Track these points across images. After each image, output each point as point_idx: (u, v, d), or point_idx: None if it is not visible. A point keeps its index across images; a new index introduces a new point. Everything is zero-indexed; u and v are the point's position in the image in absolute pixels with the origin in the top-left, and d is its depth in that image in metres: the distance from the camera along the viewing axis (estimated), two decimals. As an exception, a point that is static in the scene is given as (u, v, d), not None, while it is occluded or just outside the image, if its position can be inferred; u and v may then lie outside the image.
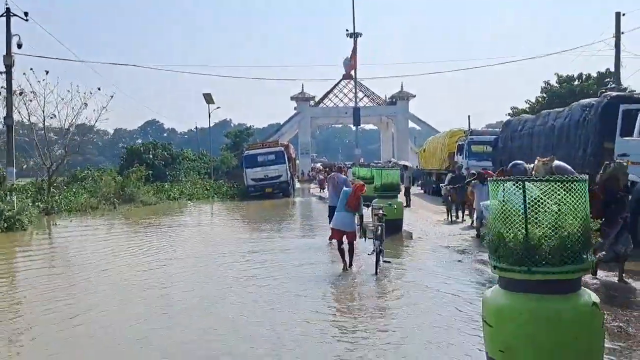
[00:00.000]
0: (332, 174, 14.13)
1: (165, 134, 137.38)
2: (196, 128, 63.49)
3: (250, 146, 33.52)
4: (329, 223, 10.82)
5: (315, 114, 67.27)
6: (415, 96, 66.64)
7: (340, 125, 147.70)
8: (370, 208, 12.47)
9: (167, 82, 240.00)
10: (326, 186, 16.00)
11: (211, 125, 48.42)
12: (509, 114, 38.88)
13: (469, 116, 49.62)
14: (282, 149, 32.47)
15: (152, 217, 22.04)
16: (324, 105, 68.16)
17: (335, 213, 9.77)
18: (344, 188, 10.11)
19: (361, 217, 9.73)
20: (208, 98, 45.92)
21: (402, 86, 66.73)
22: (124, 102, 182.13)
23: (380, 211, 10.49)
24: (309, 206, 26.47)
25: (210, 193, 33.65)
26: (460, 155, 23.87)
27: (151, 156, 40.46)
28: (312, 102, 67.09)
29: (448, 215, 16.99)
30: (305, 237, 15.39)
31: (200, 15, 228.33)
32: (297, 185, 51.03)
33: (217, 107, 46.83)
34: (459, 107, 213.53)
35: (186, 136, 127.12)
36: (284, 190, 32.13)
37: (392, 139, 77.63)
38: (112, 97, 26.08)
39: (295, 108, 67.26)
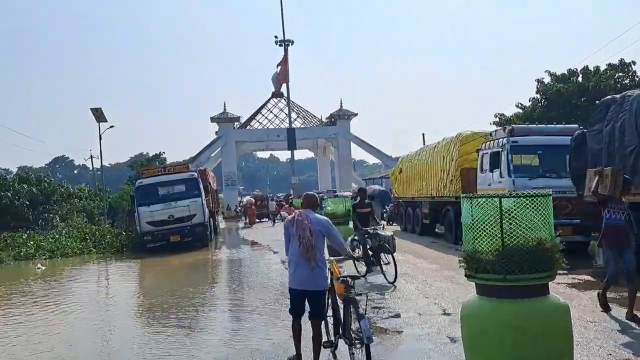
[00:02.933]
0: (297, 213, 6.10)
1: (75, 171, 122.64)
2: (91, 157, 50.05)
3: (145, 171, 22.15)
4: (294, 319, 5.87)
5: (242, 138, 56.63)
6: (357, 114, 57.72)
7: (267, 156, 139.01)
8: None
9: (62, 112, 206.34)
10: (286, 236, 5.97)
11: (125, 160, 36.68)
12: (495, 123, 30.24)
13: (423, 134, 41.38)
14: (196, 174, 21.66)
15: None
16: (251, 128, 57.73)
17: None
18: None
19: None
20: (97, 114, 34.51)
21: (341, 103, 57.82)
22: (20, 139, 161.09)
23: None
24: (250, 268, 15.57)
25: (88, 246, 22.11)
26: (490, 170, 14.18)
27: (9, 195, 28.31)
28: (236, 124, 56.52)
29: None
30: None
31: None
32: (222, 224, 39.99)
33: (111, 126, 35.41)
34: (407, 126, 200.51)
35: (98, 172, 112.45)
36: (201, 238, 21.32)
37: (330, 165, 68.36)
38: None
39: (216, 132, 56.41)
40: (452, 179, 16.93)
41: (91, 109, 33.93)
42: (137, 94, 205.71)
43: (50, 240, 22.35)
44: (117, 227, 26.98)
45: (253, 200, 37.30)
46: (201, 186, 21.83)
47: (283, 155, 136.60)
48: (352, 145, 57.46)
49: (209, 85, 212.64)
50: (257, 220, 34.61)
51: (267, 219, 38.81)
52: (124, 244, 22.01)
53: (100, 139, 36.18)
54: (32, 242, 21.79)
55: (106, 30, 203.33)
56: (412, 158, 22.16)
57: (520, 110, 30.06)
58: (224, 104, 55.80)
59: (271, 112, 59.11)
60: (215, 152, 56.72)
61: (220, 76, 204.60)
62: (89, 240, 22.73)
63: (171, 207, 20.81)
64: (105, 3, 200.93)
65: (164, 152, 48.94)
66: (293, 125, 53.92)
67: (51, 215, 29.75)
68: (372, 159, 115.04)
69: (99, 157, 36.55)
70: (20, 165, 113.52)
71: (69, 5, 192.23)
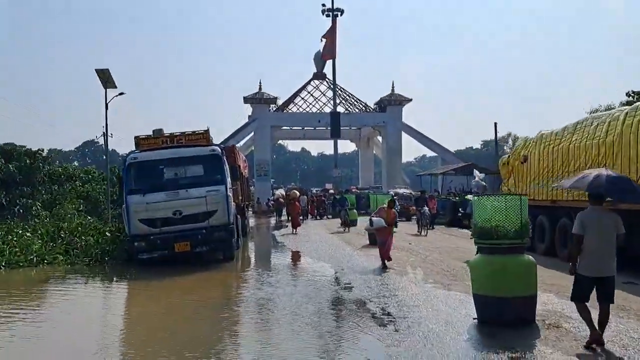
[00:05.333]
0: None
1: (104, 156, 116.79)
2: (104, 134, 42.15)
3: (143, 141, 14.41)
4: None
5: (278, 122, 49.10)
6: (411, 100, 49.58)
7: (298, 149, 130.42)
8: None
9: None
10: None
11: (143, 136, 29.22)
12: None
13: (495, 123, 33.81)
14: (219, 151, 14.01)
15: None
16: (289, 111, 50.17)
17: None
18: None
19: None
20: (104, 77, 27.52)
21: (393, 87, 49.75)
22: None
23: None
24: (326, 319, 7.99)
25: (56, 250, 14.74)
26: None
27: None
28: (272, 107, 49.00)
29: None
30: None
31: None
32: (251, 222, 32.53)
33: (121, 93, 28.40)
34: (471, 117, 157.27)
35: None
36: (224, 247, 13.76)
37: (374, 160, 60.50)
38: None
39: (249, 116, 49.02)
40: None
41: (96, 70, 27.02)
42: (162, 68, 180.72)
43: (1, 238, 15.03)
44: (111, 223, 19.72)
45: (297, 193, 29.13)
46: (227, 168, 14.26)
47: (315, 148, 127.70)
48: (403, 136, 49.49)
49: (243, 61, 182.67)
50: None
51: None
52: (106, 251, 14.58)
53: (107, 108, 29.23)
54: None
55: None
56: (554, 138, 14.15)
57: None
58: (260, 83, 48.48)
59: (312, 95, 51.63)
60: (247, 137, 49.40)
61: (257, 51, 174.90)
62: (60, 242, 15.37)
63: (179, 197, 13.30)
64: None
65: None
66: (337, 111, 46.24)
67: (30, 201, 22.68)
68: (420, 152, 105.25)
69: (104, 131, 29.61)
70: (51, 148, 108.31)
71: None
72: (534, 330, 6.57)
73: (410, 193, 33.38)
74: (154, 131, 14.65)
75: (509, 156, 17.33)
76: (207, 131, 14.30)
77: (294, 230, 22.34)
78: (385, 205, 12.53)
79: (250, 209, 41.57)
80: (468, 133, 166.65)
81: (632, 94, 22.81)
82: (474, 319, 7.11)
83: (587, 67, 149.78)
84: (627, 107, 12.22)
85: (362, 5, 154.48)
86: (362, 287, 9.88)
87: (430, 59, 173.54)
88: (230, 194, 13.99)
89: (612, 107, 29.02)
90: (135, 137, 14.39)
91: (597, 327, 5.91)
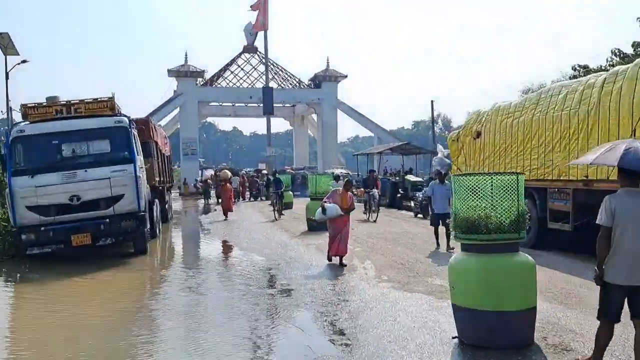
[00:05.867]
0: None
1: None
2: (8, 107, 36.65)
3: (31, 110, 11.57)
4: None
5: (206, 97, 46.05)
6: (346, 76, 47.91)
7: (229, 129, 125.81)
8: None
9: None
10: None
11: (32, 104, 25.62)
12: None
13: (432, 102, 32.88)
14: (126, 122, 11.55)
15: None
16: (218, 86, 47.21)
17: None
18: None
19: None
20: (2, 42, 24.37)
21: (328, 63, 47.85)
22: None
23: None
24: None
25: None
26: None
27: None
28: (200, 80, 45.88)
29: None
30: None
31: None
32: (177, 204, 30.01)
33: (23, 61, 25.17)
34: (409, 93, 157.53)
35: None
36: (134, 238, 11.46)
37: (308, 139, 58.64)
38: None
39: (175, 91, 45.65)
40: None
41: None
42: (75, 33, 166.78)
43: None
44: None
45: (229, 173, 26.46)
46: (137, 144, 11.87)
47: (247, 127, 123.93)
48: (339, 114, 47.80)
49: (168, 30, 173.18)
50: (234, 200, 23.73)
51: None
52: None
53: (7, 77, 25.79)
54: None
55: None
56: (514, 110, 12.70)
57: (617, 59, 20.92)
58: (185, 55, 45.14)
59: (242, 69, 48.80)
60: (173, 113, 46.14)
61: (182, 19, 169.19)
62: None
63: (76, 180, 10.85)
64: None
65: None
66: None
67: None
68: (358, 132, 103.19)
69: (6, 103, 26.37)
70: None
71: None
72: (536, 355, 4.89)
73: (348, 173, 31.75)
74: (47, 99, 12.01)
75: (458, 132, 15.83)
76: (112, 99, 11.76)
77: (225, 216, 20.08)
78: (339, 188, 10.47)
79: (176, 191, 38.96)
80: (398, 114, 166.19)
81: (578, 68, 21.94)
82: (454, 337, 5.38)
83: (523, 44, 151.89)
84: (603, 72, 10.82)
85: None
86: (303, 290, 7.98)
87: (369, 31, 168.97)
88: (141, 174, 11.64)
89: (543, 85, 28.34)
90: (22, 106, 11.71)
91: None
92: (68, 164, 11.07)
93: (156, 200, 14.58)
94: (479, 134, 14.19)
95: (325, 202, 9.87)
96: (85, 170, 10.91)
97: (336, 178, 19.19)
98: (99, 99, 11.76)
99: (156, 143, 15.39)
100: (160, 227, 15.49)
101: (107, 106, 11.68)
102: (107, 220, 10.89)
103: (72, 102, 11.68)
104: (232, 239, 14.53)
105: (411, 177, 24.27)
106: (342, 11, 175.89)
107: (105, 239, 11.01)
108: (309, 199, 16.30)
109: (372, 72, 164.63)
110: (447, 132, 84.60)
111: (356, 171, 32.85)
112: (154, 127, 16.17)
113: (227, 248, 13.49)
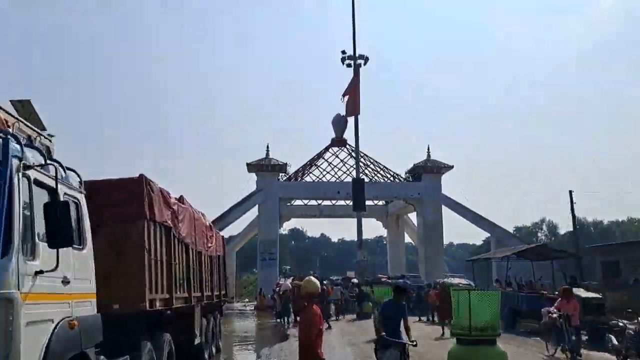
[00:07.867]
0: None
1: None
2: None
3: None
4: None
5: (288, 192, 40.10)
6: (452, 167, 40.55)
7: (317, 235, 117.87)
8: None
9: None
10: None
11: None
12: None
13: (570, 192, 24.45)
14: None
15: None
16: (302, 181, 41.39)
17: None
18: None
19: None
20: (22, 107, 19.35)
21: (428, 151, 40.99)
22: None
23: None
24: None
25: None
26: None
27: None
28: (282, 175, 40.26)
29: None
30: None
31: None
32: (246, 324, 22.89)
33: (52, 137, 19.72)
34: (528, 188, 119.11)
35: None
36: None
37: (404, 243, 50.81)
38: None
39: (256, 184, 39.98)
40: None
41: (11, 101, 18.81)
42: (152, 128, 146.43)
43: None
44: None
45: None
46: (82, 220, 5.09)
47: (335, 234, 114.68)
48: (444, 211, 40.03)
49: (247, 124, 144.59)
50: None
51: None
52: None
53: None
54: None
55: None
56: None
57: None
58: (267, 148, 40.02)
59: (329, 163, 43.09)
60: (251, 212, 40.20)
61: (263, 114, 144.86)
62: None
63: None
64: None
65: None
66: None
67: None
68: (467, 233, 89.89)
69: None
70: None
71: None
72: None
73: (469, 284, 23.41)
74: None
75: None
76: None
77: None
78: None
79: (252, 303, 31.86)
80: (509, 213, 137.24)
81: None
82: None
83: None
84: None
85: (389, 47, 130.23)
86: None
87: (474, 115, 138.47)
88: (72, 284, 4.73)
89: None
90: None
91: None
92: None
93: (165, 337, 7.54)
94: None
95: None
96: None
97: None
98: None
99: (168, 226, 8.44)
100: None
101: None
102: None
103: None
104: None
105: (585, 293, 15.57)
106: (444, 85, 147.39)
107: None
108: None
109: (483, 160, 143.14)
110: (552, 239, 71.11)
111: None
112: (163, 194, 8.94)
113: None
